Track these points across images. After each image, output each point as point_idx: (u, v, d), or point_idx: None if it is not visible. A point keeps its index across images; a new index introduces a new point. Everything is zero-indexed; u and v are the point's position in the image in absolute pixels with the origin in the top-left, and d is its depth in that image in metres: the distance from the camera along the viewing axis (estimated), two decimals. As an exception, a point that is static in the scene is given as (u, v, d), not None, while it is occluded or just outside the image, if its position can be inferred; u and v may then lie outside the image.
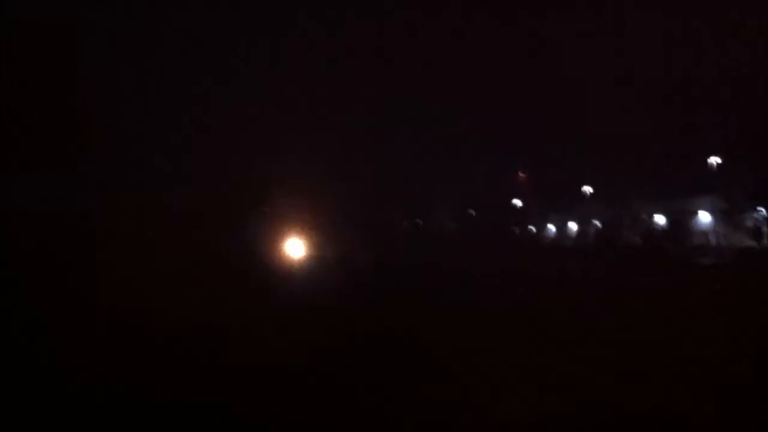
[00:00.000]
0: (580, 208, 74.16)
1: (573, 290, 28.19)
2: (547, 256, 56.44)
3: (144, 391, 10.85)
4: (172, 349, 13.57)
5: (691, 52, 55.77)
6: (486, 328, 18.21)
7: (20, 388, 10.89)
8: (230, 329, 15.82)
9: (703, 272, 36.44)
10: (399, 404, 10.67)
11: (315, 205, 36.06)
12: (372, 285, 29.46)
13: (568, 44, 61.21)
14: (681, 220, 61.88)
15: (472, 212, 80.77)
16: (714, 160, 60.18)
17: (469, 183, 73.75)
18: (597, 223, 72.00)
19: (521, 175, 75.69)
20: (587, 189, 74.69)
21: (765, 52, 51.39)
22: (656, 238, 61.94)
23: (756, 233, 53.08)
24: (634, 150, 63.32)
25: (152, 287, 17.97)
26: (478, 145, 68.77)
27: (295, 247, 37.28)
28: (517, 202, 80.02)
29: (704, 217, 61.43)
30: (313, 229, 40.30)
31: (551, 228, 79.49)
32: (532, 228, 79.80)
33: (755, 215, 53.32)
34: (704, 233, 59.63)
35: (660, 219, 65.12)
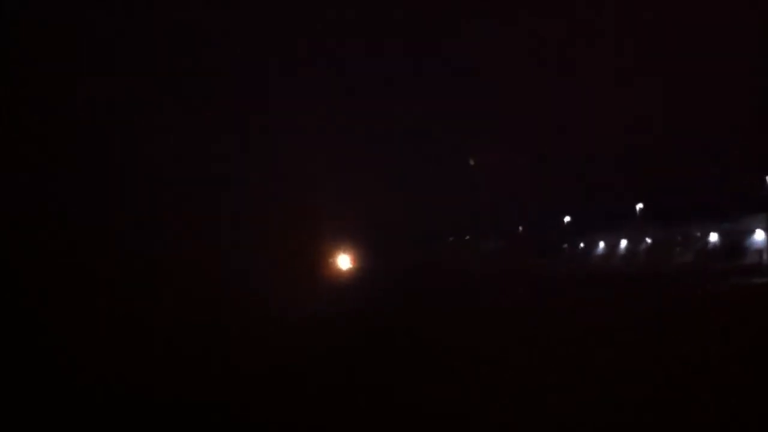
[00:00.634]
0: (633, 227, 73.30)
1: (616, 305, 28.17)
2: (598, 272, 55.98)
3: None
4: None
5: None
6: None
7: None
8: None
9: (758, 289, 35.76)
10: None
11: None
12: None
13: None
14: (735, 238, 60.84)
15: (521, 228, 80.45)
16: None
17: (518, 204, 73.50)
18: (649, 240, 71.11)
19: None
20: (640, 206, 73.84)
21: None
22: (710, 256, 60.97)
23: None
24: (689, 167, 62.56)
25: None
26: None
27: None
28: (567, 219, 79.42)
29: (759, 236, 60.31)
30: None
31: (602, 245, 78.72)
32: (582, 245, 79.07)
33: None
34: (758, 251, 58.54)
35: (714, 237, 64.10)
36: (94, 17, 25.52)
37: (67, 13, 23.91)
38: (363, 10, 55.17)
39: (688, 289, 36.01)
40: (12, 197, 19.39)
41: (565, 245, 77.78)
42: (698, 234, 65.36)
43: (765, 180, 59.49)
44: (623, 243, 75.69)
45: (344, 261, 46.73)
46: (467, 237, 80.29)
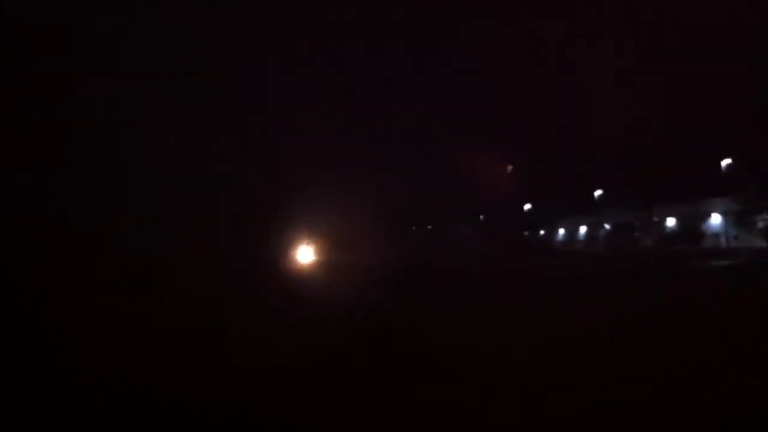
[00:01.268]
0: (594, 213, 74.09)
1: (584, 292, 28.22)
2: (559, 261, 56.31)
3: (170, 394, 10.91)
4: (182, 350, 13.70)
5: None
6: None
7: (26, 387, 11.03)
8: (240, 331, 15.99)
9: (715, 272, 36.27)
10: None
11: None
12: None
13: (567, 46, 61.30)
14: (693, 223, 61.81)
15: (481, 217, 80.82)
16: (726, 162, 60.06)
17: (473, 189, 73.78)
18: (608, 227, 71.95)
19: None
20: (599, 193, 74.65)
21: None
22: (669, 241, 61.82)
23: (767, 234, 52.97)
24: (647, 153, 63.37)
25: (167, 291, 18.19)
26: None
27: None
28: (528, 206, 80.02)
29: (716, 220, 61.34)
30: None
31: (563, 232, 79.35)
32: (543, 232, 79.71)
33: (766, 216, 53.17)
34: (716, 235, 59.57)
35: (672, 222, 65.07)
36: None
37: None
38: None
39: (646, 273, 36.39)
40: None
41: (526, 232, 78.38)
42: (656, 219, 66.26)
43: (721, 164, 60.41)
44: (583, 229, 76.53)
45: (306, 253, 46.28)
46: (429, 226, 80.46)
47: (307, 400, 10.98)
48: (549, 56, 63.03)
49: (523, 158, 73.16)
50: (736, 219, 57.10)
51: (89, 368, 12.29)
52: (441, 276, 36.71)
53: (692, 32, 53.46)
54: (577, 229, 77.59)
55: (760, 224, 53.39)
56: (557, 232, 79.62)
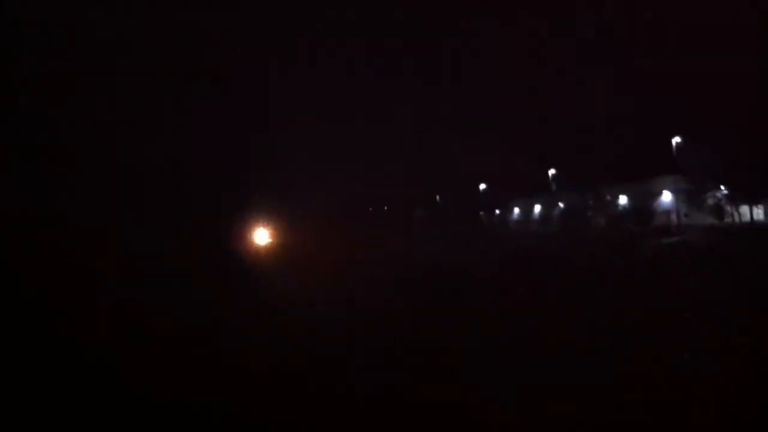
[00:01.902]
0: (547, 193, 74.98)
1: (542, 268, 28.64)
2: (515, 240, 56.94)
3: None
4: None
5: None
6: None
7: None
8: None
9: (666, 249, 37.03)
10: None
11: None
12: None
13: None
14: (644, 201, 62.90)
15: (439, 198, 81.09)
16: (676, 140, 61.17)
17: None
18: (561, 205, 72.86)
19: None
20: (552, 172, 75.54)
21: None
22: (621, 219, 62.80)
23: (717, 211, 54.23)
24: (598, 132, 64.35)
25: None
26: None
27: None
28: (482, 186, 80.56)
29: (667, 198, 62.59)
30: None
31: (518, 212, 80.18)
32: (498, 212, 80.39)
33: (716, 194, 54.43)
34: (667, 213, 60.82)
35: (624, 200, 66.16)
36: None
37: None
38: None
39: (599, 249, 37.08)
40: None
41: (482, 212, 78.99)
42: (609, 197, 67.27)
43: (671, 142, 61.47)
44: (537, 209, 77.43)
45: (262, 236, 45.90)
46: (385, 207, 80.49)
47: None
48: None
49: (479, 139, 73.58)
50: (686, 197, 58.28)
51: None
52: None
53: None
54: (532, 209, 78.47)
55: (710, 201, 54.62)
56: (512, 212, 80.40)
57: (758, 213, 54.27)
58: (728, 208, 54.47)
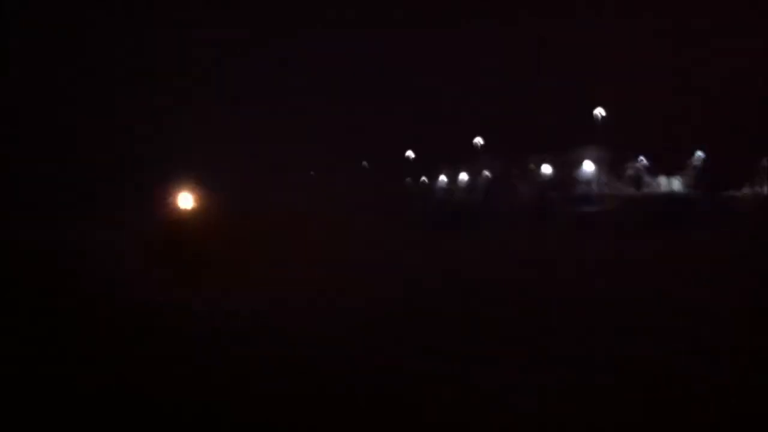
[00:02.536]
0: (473, 160, 75.25)
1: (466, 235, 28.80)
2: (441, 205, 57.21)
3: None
4: None
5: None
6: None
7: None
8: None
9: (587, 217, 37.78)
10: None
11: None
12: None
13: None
14: (567, 170, 63.84)
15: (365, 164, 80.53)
16: (599, 111, 62.09)
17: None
18: (487, 173, 73.26)
19: None
20: (478, 140, 75.84)
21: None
22: (544, 187, 63.66)
23: (636, 181, 55.64)
24: (521, 102, 64.86)
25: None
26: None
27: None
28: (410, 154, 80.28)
29: (589, 167, 63.71)
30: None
31: (444, 179, 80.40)
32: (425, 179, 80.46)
33: (636, 164, 55.71)
34: (588, 182, 62.01)
35: (547, 169, 67.01)
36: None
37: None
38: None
39: (523, 218, 37.58)
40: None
41: (408, 178, 78.81)
42: (533, 166, 68.00)
43: (593, 113, 62.35)
44: (463, 176, 77.67)
45: (185, 200, 44.80)
46: (312, 172, 79.40)
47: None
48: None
49: (405, 105, 72.97)
50: (607, 167, 59.43)
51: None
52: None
53: None
54: (458, 177, 78.66)
55: (630, 171, 55.88)
56: (438, 179, 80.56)
57: (675, 183, 55.88)
58: (647, 177, 55.89)
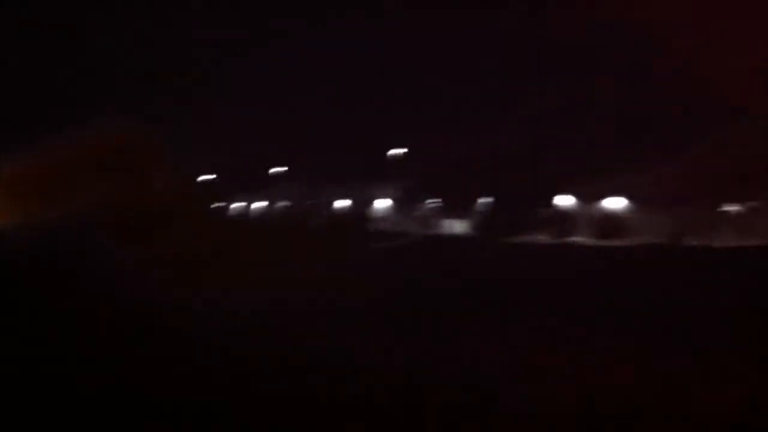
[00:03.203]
0: (270, 188, 74.54)
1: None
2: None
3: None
4: None
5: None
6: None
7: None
8: None
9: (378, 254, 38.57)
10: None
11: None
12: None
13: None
14: (363, 205, 65.17)
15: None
16: (393, 151, 63.93)
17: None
18: (282, 204, 72.96)
19: None
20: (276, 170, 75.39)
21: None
22: (337, 221, 64.40)
23: (427, 221, 57.94)
24: (321, 135, 65.59)
25: None
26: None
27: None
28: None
29: (381, 204, 65.42)
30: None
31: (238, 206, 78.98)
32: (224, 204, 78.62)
33: (429, 204, 58.05)
34: (383, 218, 63.59)
35: (342, 203, 68.00)
36: None
37: None
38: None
39: (315, 252, 37.62)
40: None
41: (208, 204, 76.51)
42: (328, 199, 68.69)
43: (389, 152, 64.05)
44: (257, 204, 76.78)
45: None
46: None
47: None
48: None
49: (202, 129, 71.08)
50: (399, 205, 61.34)
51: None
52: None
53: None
54: (252, 204, 77.67)
55: (421, 212, 58.12)
56: (233, 205, 79.04)
57: (461, 226, 58.69)
58: (435, 219, 58.38)
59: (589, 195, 53.72)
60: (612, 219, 51.98)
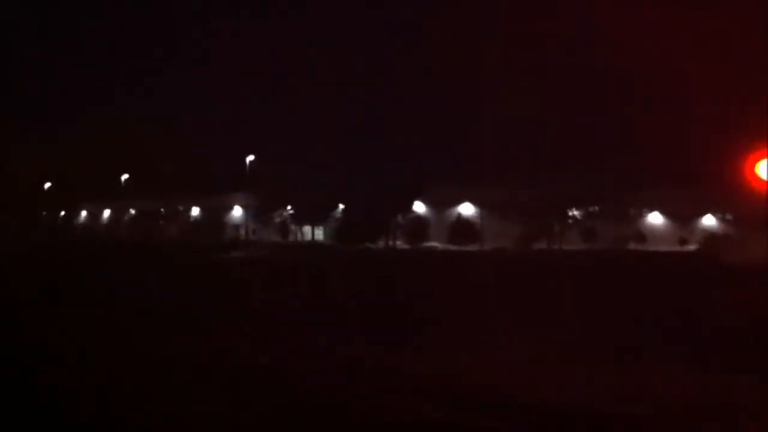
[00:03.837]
0: (119, 196, 71.61)
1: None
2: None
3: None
4: None
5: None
6: None
7: None
8: None
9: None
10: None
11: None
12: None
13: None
14: (216, 214, 63.95)
15: None
16: (250, 159, 62.90)
17: None
18: (133, 211, 70.40)
19: None
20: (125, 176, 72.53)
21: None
22: (193, 230, 62.72)
23: (283, 229, 57.54)
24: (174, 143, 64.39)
25: None
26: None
27: None
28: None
29: (237, 212, 64.40)
30: None
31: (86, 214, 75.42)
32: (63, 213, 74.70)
33: (282, 213, 57.73)
34: (237, 227, 62.55)
35: (196, 211, 66.57)
36: None
37: None
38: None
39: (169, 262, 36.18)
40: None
41: (45, 212, 72.59)
42: (182, 207, 66.85)
43: (245, 161, 62.89)
44: (107, 212, 73.68)
45: None
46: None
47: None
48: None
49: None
50: (255, 214, 60.44)
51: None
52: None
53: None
54: (101, 213, 74.55)
55: (277, 220, 57.55)
56: (80, 214, 75.47)
57: (318, 233, 58.48)
58: (293, 227, 57.93)
59: (445, 202, 55.07)
60: (464, 224, 53.36)
